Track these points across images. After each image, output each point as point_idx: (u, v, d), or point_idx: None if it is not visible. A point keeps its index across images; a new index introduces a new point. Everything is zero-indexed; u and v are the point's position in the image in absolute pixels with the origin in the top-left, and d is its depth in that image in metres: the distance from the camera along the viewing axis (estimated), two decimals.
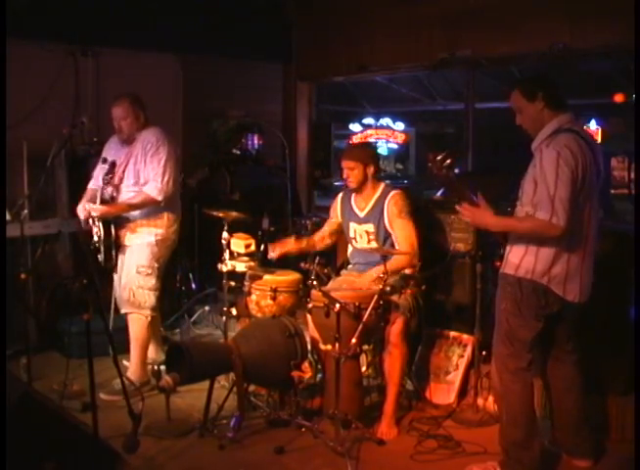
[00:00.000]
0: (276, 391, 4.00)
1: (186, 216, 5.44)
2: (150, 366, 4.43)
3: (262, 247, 4.60)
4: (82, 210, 4.32)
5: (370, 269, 4.01)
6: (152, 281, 4.35)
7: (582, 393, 3.38)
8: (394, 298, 3.90)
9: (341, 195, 4.35)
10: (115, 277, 4.45)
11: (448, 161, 3.10)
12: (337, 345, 3.58)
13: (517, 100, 3.23)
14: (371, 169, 4.08)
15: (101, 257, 4.29)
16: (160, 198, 4.24)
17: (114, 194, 4.31)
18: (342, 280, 4.18)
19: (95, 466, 2.89)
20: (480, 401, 4.01)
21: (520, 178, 3.19)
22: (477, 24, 5.72)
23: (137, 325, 4.39)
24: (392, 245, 4.08)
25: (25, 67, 5.27)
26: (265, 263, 4.50)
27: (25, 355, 4.33)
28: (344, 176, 4.16)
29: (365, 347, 4.01)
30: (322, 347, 3.93)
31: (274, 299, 4.20)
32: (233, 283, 4.39)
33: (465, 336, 4.26)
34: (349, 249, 4.34)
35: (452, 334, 4.34)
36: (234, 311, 4.43)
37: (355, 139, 14.94)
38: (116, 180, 4.32)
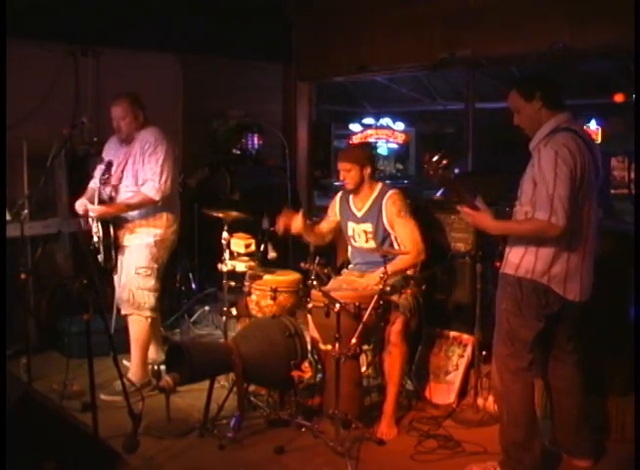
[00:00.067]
0: (276, 391, 4.00)
1: (186, 216, 5.44)
2: (150, 366, 4.43)
3: (262, 247, 4.59)
4: (80, 205, 4.32)
5: (373, 270, 4.01)
6: (151, 282, 4.35)
7: (582, 393, 3.38)
8: (394, 298, 3.90)
9: (340, 194, 4.35)
10: (116, 278, 4.45)
11: (444, 161, 3.09)
12: (337, 345, 3.58)
13: (515, 100, 3.23)
14: (367, 170, 4.09)
15: (101, 257, 4.29)
16: (157, 198, 4.22)
17: (113, 194, 4.31)
18: (342, 280, 4.19)
19: (95, 466, 2.89)
20: (479, 401, 4.01)
21: (519, 178, 3.19)
22: (477, 24, 5.72)
23: (137, 326, 4.38)
24: (392, 244, 4.08)
25: (25, 67, 5.27)
26: (265, 263, 4.51)
27: (25, 355, 4.32)
28: (341, 178, 4.17)
29: (365, 347, 4.01)
30: (322, 347, 3.93)
31: (274, 299, 4.20)
32: (233, 283, 4.39)
33: (465, 336, 4.26)
34: (349, 249, 4.35)
35: (452, 334, 4.34)
36: (234, 311, 4.43)
37: (355, 139, 14.94)
38: (115, 180, 4.31)
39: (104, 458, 2.97)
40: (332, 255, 5.01)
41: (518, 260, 3.15)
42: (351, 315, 3.63)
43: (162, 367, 3.86)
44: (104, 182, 4.23)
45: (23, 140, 5.04)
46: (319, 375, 4.14)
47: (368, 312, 3.60)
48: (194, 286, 5.96)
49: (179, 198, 4.60)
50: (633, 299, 3.62)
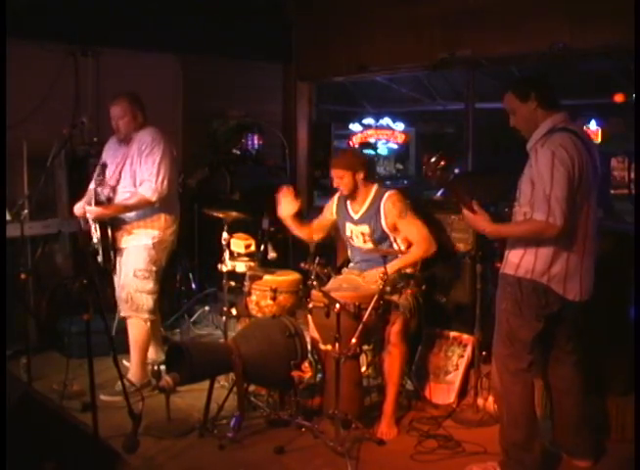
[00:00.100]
0: (276, 391, 4.00)
1: (186, 216, 5.44)
2: (150, 366, 4.43)
3: (262, 247, 4.59)
4: (79, 208, 4.32)
5: (374, 268, 4.03)
6: (150, 284, 4.33)
7: (582, 393, 3.37)
8: (394, 298, 3.90)
9: (337, 194, 4.34)
10: (116, 278, 4.45)
11: (442, 162, 3.09)
12: (337, 345, 3.58)
13: (510, 101, 3.24)
14: (360, 175, 4.06)
15: (100, 258, 4.29)
16: (154, 198, 4.20)
17: (111, 195, 4.30)
18: (342, 279, 4.18)
19: (95, 466, 2.89)
20: (480, 401, 4.01)
21: (518, 179, 3.19)
22: (477, 24, 5.72)
23: (136, 329, 4.37)
24: (391, 245, 4.08)
25: (25, 67, 5.27)
26: (265, 264, 4.50)
27: (25, 355, 4.32)
28: (335, 185, 4.18)
29: (365, 347, 4.01)
30: (322, 347, 3.93)
31: (274, 299, 4.20)
32: (233, 283, 4.39)
33: (465, 336, 4.26)
34: (349, 248, 4.34)
35: (452, 334, 4.34)
36: (234, 311, 4.43)
37: (355, 139, 14.94)
38: (113, 181, 4.31)
39: (104, 458, 2.97)
40: (332, 255, 5.01)
41: (517, 260, 3.15)
42: (351, 315, 3.63)
43: (162, 367, 3.86)
44: (98, 183, 4.22)
45: (23, 140, 5.04)
46: (319, 375, 4.14)
47: (368, 312, 3.60)
48: (194, 286, 5.96)
49: (179, 198, 4.59)
50: (633, 299, 3.62)
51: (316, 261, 3.91)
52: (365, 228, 4.11)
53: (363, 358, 4.08)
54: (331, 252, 5.00)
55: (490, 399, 3.93)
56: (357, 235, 4.17)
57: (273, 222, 5.12)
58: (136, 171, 4.26)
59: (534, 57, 5.64)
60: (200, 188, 6.14)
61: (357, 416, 3.74)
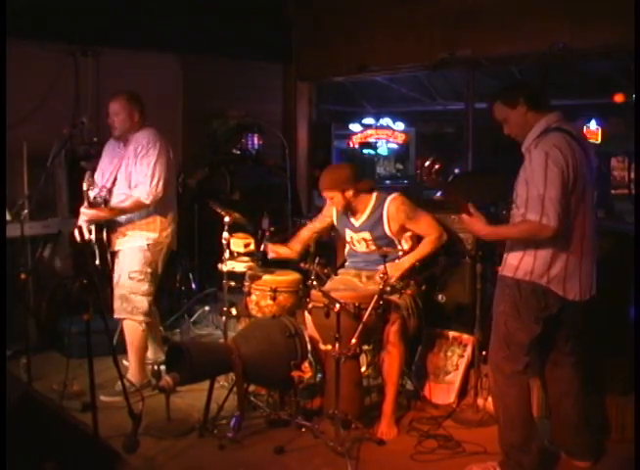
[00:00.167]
0: (276, 391, 4.00)
1: (186, 216, 5.45)
2: (150, 366, 4.43)
3: (262, 247, 4.59)
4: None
5: (370, 269, 4.03)
6: (144, 286, 4.29)
7: (581, 395, 3.37)
8: (394, 298, 3.90)
9: None
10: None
11: (437, 166, 3.09)
12: (337, 345, 3.58)
13: (499, 111, 3.23)
14: (349, 193, 4.02)
15: (97, 260, 4.27)
16: (148, 201, 4.17)
17: (107, 197, 4.27)
18: (339, 280, 4.18)
19: (95, 466, 2.89)
20: (480, 401, 4.01)
21: (514, 180, 3.18)
22: (477, 24, 5.72)
23: (131, 331, 4.35)
24: (393, 245, 4.07)
25: (25, 67, 5.28)
26: (265, 263, 4.50)
27: (25, 355, 4.32)
28: (329, 205, 4.18)
29: (365, 347, 4.01)
30: (322, 347, 3.93)
31: (274, 299, 4.20)
32: (233, 283, 4.39)
33: (465, 336, 4.26)
34: (347, 248, 4.34)
35: (452, 334, 4.33)
36: (234, 311, 4.43)
37: (355, 139, 14.93)
38: (109, 183, 4.29)
39: (104, 458, 2.97)
40: (332, 255, 5.01)
41: (516, 262, 3.14)
42: (351, 315, 3.63)
43: (162, 367, 3.86)
44: (88, 186, 4.17)
45: (23, 140, 5.04)
46: (319, 375, 4.14)
47: (368, 312, 3.60)
48: (194, 286, 5.96)
49: (179, 198, 4.57)
50: (633, 299, 3.62)
51: (316, 261, 3.91)
52: (367, 235, 4.10)
53: (363, 358, 4.08)
54: (331, 252, 4.99)
55: (490, 399, 3.93)
56: (359, 240, 4.16)
57: (273, 222, 5.12)
58: (131, 173, 4.23)
59: (534, 57, 5.64)
60: (200, 188, 6.14)
61: (357, 416, 3.74)
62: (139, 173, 4.20)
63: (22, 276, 4.38)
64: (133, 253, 4.28)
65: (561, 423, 3.40)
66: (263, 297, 4.25)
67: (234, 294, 4.49)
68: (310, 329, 4.02)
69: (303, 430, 3.74)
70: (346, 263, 4.34)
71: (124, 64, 5.93)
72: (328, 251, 4.84)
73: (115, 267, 4.34)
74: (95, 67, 5.85)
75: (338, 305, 3.57)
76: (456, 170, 7.79)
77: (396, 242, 4.06)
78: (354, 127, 14.88)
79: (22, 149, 5.02)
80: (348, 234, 4.22)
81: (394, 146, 15.81)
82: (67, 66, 5.72)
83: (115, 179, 4.30)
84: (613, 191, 12.02)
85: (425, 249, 4.03)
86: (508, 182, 3.24)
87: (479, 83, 6.48)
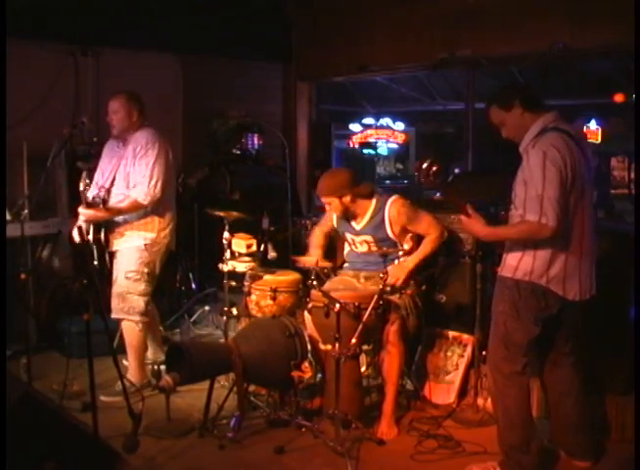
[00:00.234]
0: (276, 391, 4.00)
1: (186, 216, 5.45)
2: (150, 366, 4.43)
3: (262, 247, 4.59)
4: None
5: (370, 269, 4.03)
6: (141, 286, 4.28)
7: (581, 394, 3.36)
8: (394, 298, 3.90)
9: None
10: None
11: (434, 168, 3.10)
12: (337, 345, 3.58)
13: (496, 115, 3.23)
14: (347, 198, 4.01)
15: (95, 260, 4.27)
16: (146, 202, 4.16)
17: (106, 197, 4.25)
18: (338, 280, 4.18)
19: (95, 466, 2.89)
20: (480, 401, 4.01)
21: (512, 181, 3.18)
22: (477, 24, 5.72)
23: (129, 331, 4.34)
24: (394, 245, 4.07)
25: (25, 67, 5.28)
26: (265, 263, 4.50)
27: (25, 355, 4.32)
28: (327, 210, 4.17)
29: (365, 347, 4.01)
30: (322, 347, 3.93)
31: (274, 299, 4.21)
32: (233, 283, 4.39)
33: (465, 336, 4.26)
34: (346, 249, 4.34)
35: (452, 334, 4.34)
36: (234, 311, 4.43)
37: (355, 139, 14.93)
38: (108, 183, 4.29)
39: (104, 458, 2.97)
40: (333, 255, 5.00)
41: (516, 263, 3.14)
42: (351, 315, 3.63)
43: (162, 367, 3.86)
44: (83, 188, 4.15)
45: (23, 140, 5.04)
46: (319, 375, 4.14)
47: (368, 312, 3.60)
48: (194, 286, 5.96)
49: (177, 199, 4.56)
50: (633, 299, 3.62)
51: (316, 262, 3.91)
52: (368, 237, 4.10)
53: (363, 358, 4.08)
54: (331, 252, 4.99)
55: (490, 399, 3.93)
56: (361, 242, 4.15)
57: (273, 222, 5.13)
58: (130, 174, 4.22)
59: (534, 57, 5.64)
60: (200, 188, 6.14)
61: (357, 416, 3.74)
62: (137, 174, 4.19)
63: (22, 276, 4.38)
64: (131, 253, 4.27)
65: (560, 423, 3.39)
66: (263, 297, 4.25)
67: (234, 294, 4.49)
68: (310, 329, 4.02)
69: (303, 430, 3.74)
70: (345, 264, 4.34)
71: (124, 64, 5.93)
72: (328, 251, 4.83)
73: (114, 267, 4.33)
74: (95, 67, 5.85)
75: (338, 305, 3.57)
76: (456, 170, 7.79)
77: (399, 244, 4.06)
78: (354, 127, 14.89)
79: (23, 149, 5.02)
80: (349, 237, 4.22)
81: (394, 146, 15.82)
82: (67, 66, 5.72)
83: (114, 179, 4.29)
84: (613, 191, 12.03)
85: (426, 248, 4.04)
86: (508, 182, 3.24)
87: (479, 83, 6.47)
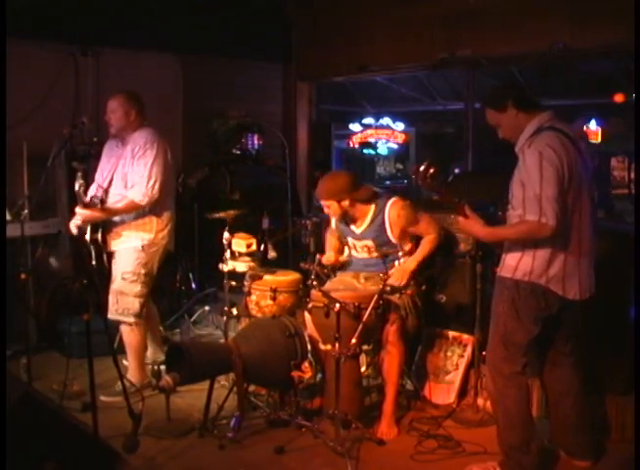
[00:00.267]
0: (276, 391, 4.00)
1: (186, 216, 5.44)
2: (150, 366, 4.42)
3: (262, 247, 4.59)
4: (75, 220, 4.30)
5: (369, 271, 4.04)
6: (137, 288, 4.26)
7: (581, 394, 3.36)
8: (394, 298, 3.90)
9: None
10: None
11: (431, 171, 3.09)
12: (337, 345, 3.58)
13: (491, 116, 3.24)
14: (346, 202, 4.00)
15: (93, 261, 4.27)
16: (143, 202, 4.14)
17: (105, 197, 4.25)
18: (338, 280, 4.18)
19: (95, 466, 2.89)
20: (480, 401, 4.01)
21: (509, 181, 3.18)
22: (477, 24, 5.72)
23: (126, 333, 4.33)
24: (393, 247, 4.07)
25: (25, 67, 5.28)
26: (265, 263, 4.50)
27: (25, 355, 4.32)
28: (325, 212, 4.17)
29: (365, 347, 4.01)
30: (322, 347, 3.93)
31: (274, 299, 4.21)
32: (233, 283, 4.39)
33: (465, 336, 4.26)
34: (346, 250, 4.33)
35: (452, 334, 4.34)
36: (234, 311, 4.43)
37: (355, 139, 14.93)
38: (106, 183, 4.28)
39: (104, 458, 2.97)
40: None
41: (515, 263, 3.13)
42: (351, 315, 3.63)
43: (162, 367, 3.86)
44: (78, 188, 4.12)
45: (23, 140, 5.04)
46: (319, 375, 4.14)
47: (368, 312, 3.60)
48: (194, 286, 5.96)
49: (177, 199, 4.55)
50: (633, 299, 3.62)
51: (316, 261, 3.91)
52: (368, 242, 4.10)
53: (363, 358, 4.08)
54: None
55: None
56: (362, 247, 4.15)
57: (273, 222, 5.12)
58: (128, 174, 4.21)
59: (534, 57, 5.64)
60: (200, 188, 6.14)
61: (357, 416, 3.74)
62: (135, 174, 4.17)
63: (23, 276, 4.37)
64: (128, 253, 4.26)
65: (560, 423, 3.39)
66: (263, 297, 4.25)
67: (234, 294, 4.49)
68: (310, 329, 4.02)
69: (303, 430, 3.74)
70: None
71: (124, 64, 5.93)
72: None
73: (113, 268, 4.33)
74: (95, 67, 5.85)
75: (337, 305, 3.57)
76: (456, 170, 7.79)
77: (399, 246, 4.05)
78: (354, 127, 14.88)
79: (23, 149, 5.03)
80: (351, 242, 4.22)
81: (394, 146, 15.81)
82: (67, 66, 5.72)
83: (112, 179, 4.28)
84: (613, 191, 12.02)
85: (425, 248, 4.04)
86: (508, 182, 3.24)
87: (479, 83, 6.47)
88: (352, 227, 4.16)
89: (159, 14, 6.00)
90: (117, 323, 4.31)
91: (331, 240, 4.42)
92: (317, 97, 7.64)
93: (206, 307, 5.72)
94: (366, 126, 15.05)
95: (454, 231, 4.30)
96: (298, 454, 3.56)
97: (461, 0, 5.85)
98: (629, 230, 3.74)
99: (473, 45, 5.77)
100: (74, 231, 4.29)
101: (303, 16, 7.12)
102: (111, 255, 4.32)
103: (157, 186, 4.16)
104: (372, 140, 15.17)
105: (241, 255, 4.39)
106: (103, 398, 4.05)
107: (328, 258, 4.22)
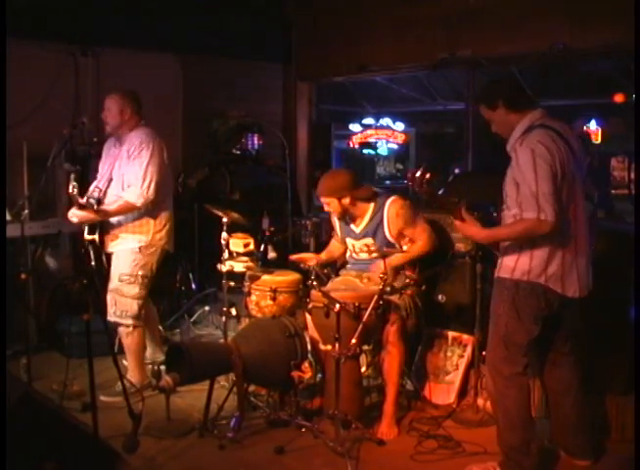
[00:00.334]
0: (276, 391, 4.00)
1: (186, 216, 5.44)
2: (150, 366, 4.42)
3: (262, 247, 4.59)
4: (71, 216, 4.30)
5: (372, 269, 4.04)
6: (135, 289, 4.24)
7: (581, 394, 3.36)
8: (394, 298, 3.90)
9: None
10: None
11: (427, 176, 3.09)
12: (337, 345, 3.58)
13: (483, 112, 3.27)
14: (346, 200, 4.02)
15: (92, 261, 4.26)
16: (139, 203, 4.12)
17: (102, 198, 4.22)
18: (340, 281, 4.18)
19: (95, 466, 2.89)
20: (480, 401, 4.01)
21: (502, 181, 3.17)
22: (477, 24, 5.73)
23: (125, 335, 4.32)
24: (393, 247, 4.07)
25: (25, 67, 5.28)
26: (265, 264, 4.50)
27: (25, 355, 4.32)
28: (326, 210, 4.18)
29: (365, 347, 4.01)
30: (322, 347, 3.93)
31: (274, 299, 4.20)
32: (233, 283, 4.39)
33: (465, 336, 4.26)
34: (347, 252, 4.33)
35: (452, 334, 4.33)
36: (233, 312, 4.42)
37: (355, 139, 14.94)
38: (103, 184, 4.27)
39: (104, 458, 2.97)
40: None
41: (513, 264, 3.13)
42: (351, 316, 3.63)
43: (162, 367, 3.86)
44: (72, 190, 4.08)
45: (23, 140, 5.04)
46: (319, 375, 4.14)
47: (368, 313, 3.60)
48: (194, 286, 5.96)
49: (177, 199, 4.54)
50: (633, 299, 3.62)
51: (316, 262, 3.91)
52: (369, 241, 4.10)
53: (363, 358, 4.08)
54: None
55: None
56: (361, 248, 4.12)
57: (273, 222, 5.13)
58: (124, 175, 4.19)
59: (534, 57, 5.64)
60: (200, 188, 6.14)
61: (357, 416, 3.74)
62: (131, 174, 4.15)
63: (23, 276, 4.37)
64: (125, 255, 4.24)
65: (560, 423, 3.39)
66: (263, 297, 4.25)
67: (234, 294, 4.48)
68: (310, 329, 4.02)
69: (303, 430, 3.74)
70: (348, 265, 4.34)
71: (124, 64, 5.93)
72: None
73: (110, 270, 4.31)
74: (95, 67, 5.86)
75: (338, 306, 3.57)
76: (456, 170, 7.79)
77: (398, 246, 4.05)
78: (354, 127, 14.88)
79: (23, 149, 5.02)
80: (350, 242, 4.22)
81: (394, 146, 15.81)
82: (67, 66, 5.72)
83: (110, 180, 4.27)
84: (613, 191, 12.01)
85: (413, 250, 4.03)
86: None
87: (479, 83, 6.47)
88: (352, 226, 4.17)
89: (159, 14, 6.00)
90: (116, 325, 4.30)
91: (334, 244, 4.45)
92: (317, 97, 7.64)
93: (206, 308, 5.72)
94: (366, 126, 15.05)
95: (454, 232, 4.30)
96: (298, 454, 3.56)
97: (461, 0, 5.85)
98: (629, 230, 3.74)
99: (473, 45, 5.77)
100: (75, 220, 4.25)
101: (303, 16, 7.13)
102: (109, 256, 4.31)
103: (152, 187, 4.12)
104: (372, 140, 15.17)
105: (239, 255, 4.39)
106: (103, 398, 4.05)
107: (308, 257, 4.28)
